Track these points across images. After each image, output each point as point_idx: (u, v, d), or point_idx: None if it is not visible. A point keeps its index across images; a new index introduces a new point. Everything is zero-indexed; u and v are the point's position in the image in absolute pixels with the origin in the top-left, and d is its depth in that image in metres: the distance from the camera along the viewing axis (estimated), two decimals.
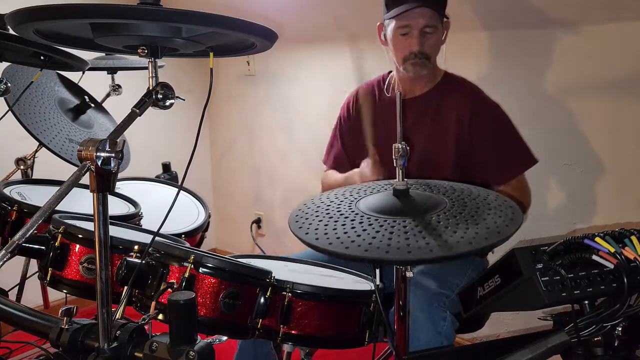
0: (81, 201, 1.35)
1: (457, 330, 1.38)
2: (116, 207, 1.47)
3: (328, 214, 1.05)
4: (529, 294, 0.89)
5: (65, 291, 1.16)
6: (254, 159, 3.12)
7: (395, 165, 1.07)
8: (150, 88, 0.93)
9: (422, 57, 1.57)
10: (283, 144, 2.93)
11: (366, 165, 1.56)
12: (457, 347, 1.51)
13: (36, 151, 1.76)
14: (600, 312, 0.85)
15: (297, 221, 1.05)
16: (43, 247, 1.13)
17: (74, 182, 0.83)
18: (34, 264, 1.60)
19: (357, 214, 1.03)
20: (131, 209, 1.47)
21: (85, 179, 0.84)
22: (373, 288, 1.18)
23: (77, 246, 1.13)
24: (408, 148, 1.05)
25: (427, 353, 1.26)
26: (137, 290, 1.05)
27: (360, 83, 1.85)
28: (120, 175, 0.88)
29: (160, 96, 0.93)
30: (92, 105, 1.84)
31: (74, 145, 1.59)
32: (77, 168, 0.83)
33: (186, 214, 1.62)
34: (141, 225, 1.43)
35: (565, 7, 1.83)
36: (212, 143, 3.34)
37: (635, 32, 1.71)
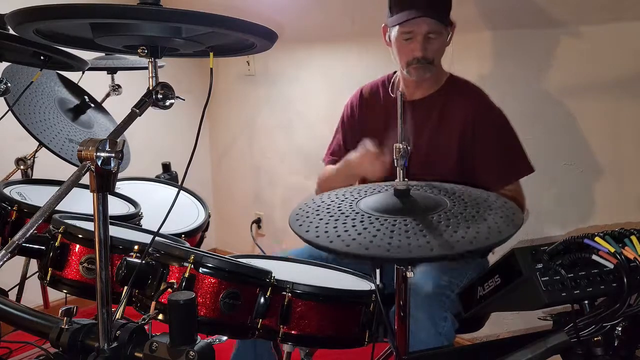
0: (81, 201, 1.35)
1: (457, 330, 1.38)
2: (116, 207, 1.47)
3: (329, 212, 1.05)
4: (529, 294, 0.89)
5: (65, 291, 1.16)
6: (254, 159, 3.11)
7: (396, 165, 1.07)
8: (150, 88, 0.93)
9: (425, 61, 1.57)
10: (283, 144, 2.93)
11: (371, 144, 1.56)
12: (457, 347, 1.51)
13: (36, 151, 1.76)
14: (600, 312, 0.85)
15: (297, 219, 1.05)
16: (43, 247, 1.13)
17: (74, 182, 0.83)
18: (34, 264, 1.60)
19: (357, 212, 1.03)
20: (131, 209, 1.47)
21: (85, 179, 0.84)
22: (373, 288, 1.18)
23: (77, 246, 1.13)
24: (409, 148, 1.06)
25: (427, 353, 1.26)
26: (137, 290, 1.05)
27: (361, 83, 1.85)
28: (120, 175, 0.88)
29: (160, 96, 0.93)
30: (92, 105, 1.84)
31: (74, 145, 1.59)
32: (77, 168, 0.83)
33: (186, 214, 1.62)
34: (141, 225, 1.43)
35: (565, 7, 1.83)
36: (212, 143, 3.34)
37: (635, 32, 1.71)
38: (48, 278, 1.14)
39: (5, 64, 1.58)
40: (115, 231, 1.20)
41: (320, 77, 2.69)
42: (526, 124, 1.85)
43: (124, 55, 2.00)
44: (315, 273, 1.36)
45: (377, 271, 1.22)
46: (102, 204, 0.83)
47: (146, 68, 0.94)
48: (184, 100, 0.98)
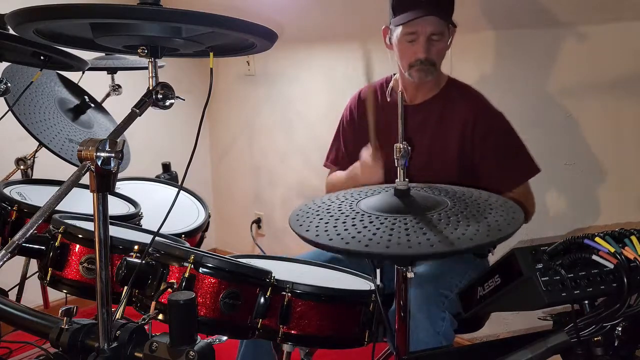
0: (81, 201, 1.35)
1: (456, 331, 1.38)
2: (116, 207, 1.47)
3: (329, 212, 1.05)
4: (529, 294, 0.89)
5: (65, 291, 1.16)
6: (254, 159, 3.12)
7: (396, 165, 1.07)
8: (150, 88, 0.93)
9: (427, 63, 1.57)
10: (283, 144, 2.93)
11: (366, 154, 1.56)
12: (457, 347, 1.51)
13: (36, 151, 1.76)
14: (600, 312, 0.85)
15: (297, 219, 1.05)
16: (43, 247, 1.13)
17: (74, 182, 0.83)
18: (34, 264, 1.60)
19: (357, 212, 1.03)
20: (131, 209, 1.47)
21: (85, 179, 0.84)
22: (373, 288, 1.18)
23: (77, 246, 1.13)
24: (409, 148, 1.06)
25: (427, 353, 1.26)
26: (137, 290, 1.05)
27: (361, 83, 1.85)
28: (120, 175, 0.88)
29: (160, 96, 0.93)
30: (92, 105, 1.84)
31: (74, 145, 1.59)
32: (77, 168, 0.83)
33: (186, 214, 1.62)
34: (141, 225, 1.43)
35: (565, 7, 1.83)
36: (212, 143, 3.34)
37: (635, 32, 1.71)
38: (48, 278, 1.14)
39: (5, 64, 1.58)
40: (115, 231, 1.20)
41: (320, 77, 2.69)
42: (526, 124, 1.85)
43: (124, 55, 2.00)
44: (315, 273, 1.36)
45: (377, 271, 1.22)
46: (102, 204, 0.83)
47: (146, 68, 0.94)
48: (184, 100, 0.98)
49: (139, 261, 1.01)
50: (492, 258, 1.68)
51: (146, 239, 1.16)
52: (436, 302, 1.36)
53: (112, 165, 0.82)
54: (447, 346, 1.32)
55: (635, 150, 1.77)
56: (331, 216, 1.03)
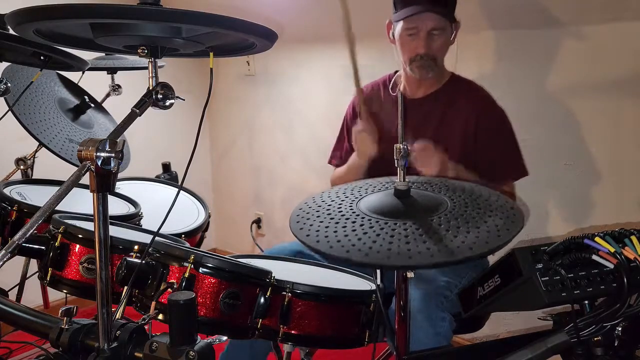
0: (81, 201, 1.35)
1: (456, 331, 1.38)
2: (116, 207, 1.47)
3: (329, 214, 1.05)
4: (529, 294, 0.89)
5: (65, 291, 1.15)
6: (254, 159, 3.12)
7: (396, 165, 1.07)
8: (150, 88, 0.93)
9: (427, 59, 1.57)
10: (283, 144, 2.93)
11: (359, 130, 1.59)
12: (457, 347, 1.51)
13: (36, 151, 1.76)
14: (600, 312, 0.85)
15: (297, 221, 1.05)
16: (43, 247, 1.13)
17: (74, 182, 0.83)
18: (34, 264, 1.60)
19: (357, 215, 1.03)
20: (131, 209, 1.47)
21: (85, 179, 0.84)
22: (373, 288, 1.18)
23: (77, 246, 1.13)
24: (409, 148, 1.05)
25: (427, 353, 1.26)
26: (137, 290, 1.05)
27: (361, 83, 1.85)
28: (120, 175, 0.88)
29: (160, 96, 0.93)
30: (92, 105, 1.84)
31: (74, 145, 1.59)
32: (77, 168, 0.83)
33: (186, 214, 1.62)
34: (141, 225, 1.43)
35: (565, 7, 1.83)
36: (212, 143, 3.34)
37: (635, 32, 1.71)
38: (48, 278, 1.13)
39: (5, 64, 1.58)
40: (115, 231, 1.20)
41: (320, 77, 2.69)
42: (526, 124, 1.85)
43: (124, 55, 2.00)
44: (315, 273, 1.36)
45: (378, 271, 1.22)
46: (102, 204, 0.83)
47: (146, 68, 0.94)
48: (184, 100, 0.98)
49: (139, 261, 1.01)
50: (492, 258, 1.68)
51: (146, 239, 1.16)
52: (436, 302, 1.36)
53: (112, 165, 0.82)
54: (446, 346, 1.32)
55: (635, 150, 1.77)
56: (332, 218, 1.03)
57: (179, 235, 1.42)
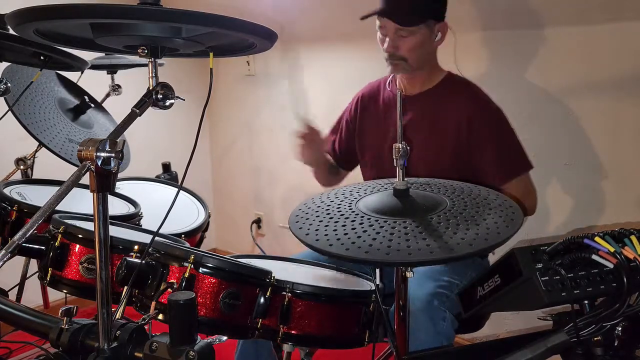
0: (81, 201, 1.35)
1: (456, 331, 1.38)
2: (116, 207, 1.47)
3: (328, 214, 1.05)
4: (529, 294, 0.89)
5: (65, 291, 1.16)
6: (254, 159, 3.11)
7: (395, 165, 1.07)
8: (150, 88, 0.93)
9: (396, 58, 1.56)
10: (283, 144, 2.93)
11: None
12: (457, 347, 1.51)
13: (36, 151, 1.76)
14: (600, 311, 0.85)
15: (297, 221, 1.05)
16: (43, 247, 1.13)
17: (74, 182, 0.83)
18: (34, 264, 1.60)
19: (357, 214, 1.03)
20: (131, 209, 1.47)
21: (85, 179, 0.84)
22: (373, 288, 1.18)
23: (77, 246, 1.13)
24: (408, 148, 1.05)
25: (427, 353, 1.26)
26: (137, 290, 1.05)
27: (361, 83, 1.85)
28: (120, 175, 0.88)
29: (160, 96, 0.93)
30: (92, 105, 1.84)
31: (74, 145, 1.59)
32: (77, 168, 0.83)
33: (186, 214, 1.62)
34: (141, 225, 1.43)
35: (565, 7, 1.83)
36: (212, 143, 3.34)
37: (635, 32, 1.71)
38: (48, 278, 1.14)
39: (5, 64, 1.58)
40: (115, 231, 1.20)
41: (320, 77, 2.69)
42: (526, 123, 1.85)
43: (124, 55, 2.00)
44: (315, 273, 1.36)
45: (377, 271, 1.22)
46: (102, 204, 0.83)
47: (146, 65, 0.94)
48: (184, 100, 0.98)
49: (139, 261, 1.01)
50: (492, 258, 1.68)
51: (146, 239, 1.16)
52: (437, 302, 1.36)
53: (112, 165, 0.82)
54: (447, 346, 1.32)
55: (635, 150, 1.77)
56: (331, 218, 1.03)
57: (179, 235, 1.42)
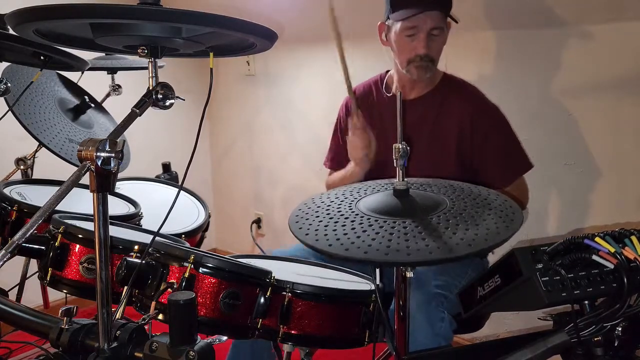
0: (81, 201, 1.35)
1: (455, 331, 1.38)
2: (116, 207, 1.47)
3: (328, 214, 1.05)
4: (529, 294, 0.89)
5: (65, 291, 1.15)
6: (254, 159, 3.12)
7: (395, 165, 1.06)
8: (150, 88, 0.93)
9: (426, 60, 1.56)
10: (283, 144, 2.93)
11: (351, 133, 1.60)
12: (456, 347, 1.51)
13: (36, 151, 1.76)
14: (600, 312, 0.85)
15: (297, 222, 1.05)
16: (43, 247, 1.13)
17: (74, 182, 0.83)
18: (34, 264, 1.60)
19: (357, 214, 1.03)
20: (131, 209, 1.47)
21: (85, 179, 0.84)
22: (373, 288, 1.18)
23: (77, 246, 1.13)
24: (408, 148, 1.05)
25: (427, 353, 1.26)
26: (137, 290, 1.05)
27: (360, 83, 1.85)
28: (120, 175, 0.88)
29: (160, 96, 0.93)
30: (92, 105, 1.84)
31: (74, 145, 1.59)
32: (77, 168, 0.83)
33: (186, 214, 1.62)
34: (141, 225, 1.43)
35: (566, 7, 1.83)
36: (212, 143, 3.34)
37: (635, 32, 1.71)
38: (48, 278, 1.13)
39: (5, 64, 1.58)
40: (115, 231, 1.20)
41: (320, 77, 2.69)
42: (526, 124, 1.85)
43: (124, 55, 2.00)
44: (315, 273, 1.36)
45: (377, 271, 1.22)
46: (102, 204, 0.83)
47: (146, 68, 0.94)
48: (184, 100, 0.98)
49: (139, 261, 1.01)
50: (492, 258, 1.68)
51: (146, 239, 1.16)
52: (435, 302, 1.36)
53: (112, 165, 0.82)
54: (446, 346, 1.32)
55: (635, 150, 1.77)
56: (330, 218, 1.03)
57: (179, 235, 1.42)
